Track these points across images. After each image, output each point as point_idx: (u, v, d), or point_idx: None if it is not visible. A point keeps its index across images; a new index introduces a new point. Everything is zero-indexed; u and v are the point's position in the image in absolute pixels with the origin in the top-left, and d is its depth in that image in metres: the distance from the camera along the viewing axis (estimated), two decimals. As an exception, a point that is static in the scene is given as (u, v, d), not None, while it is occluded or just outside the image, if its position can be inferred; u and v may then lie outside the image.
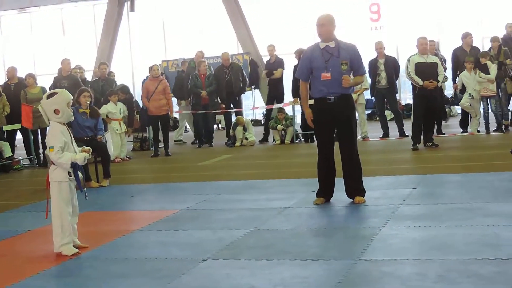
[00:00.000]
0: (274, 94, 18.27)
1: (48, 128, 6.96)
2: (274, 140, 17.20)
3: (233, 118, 18.56)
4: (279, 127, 16.94)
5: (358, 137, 16.18)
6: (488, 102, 15.71)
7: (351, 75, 8.41)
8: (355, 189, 8.43)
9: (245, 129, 17.42)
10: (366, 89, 16.59)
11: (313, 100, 8.56)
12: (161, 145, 16.46)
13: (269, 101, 18.56)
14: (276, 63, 18.15)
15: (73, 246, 6.84)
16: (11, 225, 8.77)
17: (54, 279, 6.10)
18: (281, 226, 7.43)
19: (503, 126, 15.80)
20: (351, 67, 8.32)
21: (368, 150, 14.56)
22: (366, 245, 6.31)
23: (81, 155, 6.80)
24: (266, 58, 18.89)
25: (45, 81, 17.14)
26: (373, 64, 16.33)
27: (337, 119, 8.29)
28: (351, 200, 8.40)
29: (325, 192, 8.52)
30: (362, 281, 5.24)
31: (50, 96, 6.94)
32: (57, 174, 6.83)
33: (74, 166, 6.82)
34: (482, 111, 16.26)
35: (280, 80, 18.24)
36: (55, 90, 7.09)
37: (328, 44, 8.26)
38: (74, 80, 16.29)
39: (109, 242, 7.14)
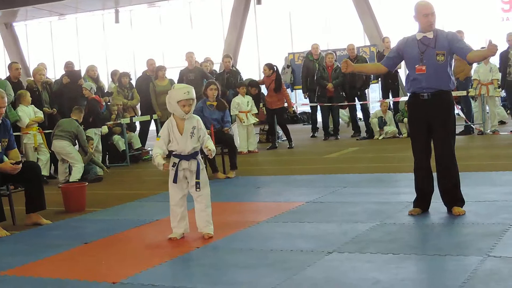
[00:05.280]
0: (389, 86, 18.00)
1: None
2: (401, 133, 16.98)
3: (359, 111, 18.50)
4: (406, 120, 16.70)
5: (488, 130, 15.85)
6: None
7: (453, 62, 7.73)
8: (452, 199, 7.57)
9: (384, 123, 17.16)
10: (497, 80, 16.17)
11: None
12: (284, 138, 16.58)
13: (384, 94, 18.29)
14: None
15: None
16: (140, 214, 9.01)
17: (180, 267, 6.23)
18: (407, 221, 7.33)
19: None
20: (453, 52, 7.50)
21: (498, 144, 14.23)
22: (495, 241, 6.15)
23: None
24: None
25: (174, 73, 17.50)
26: (504, 56, 15.94)
27: (432, 118, 7.45)
28: (449, 208, 7.59)
29: (421, 202, 7.68)
30: (491, 279, 5.09)
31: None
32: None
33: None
34: None
35: (396, 72, 18.00)
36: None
37: (425, 34, 7.45)
38: (200, 72, 16.56)
39: (234, 233, 7.22)
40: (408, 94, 7.86)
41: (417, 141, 7.62)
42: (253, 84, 16.76)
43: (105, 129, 14.21)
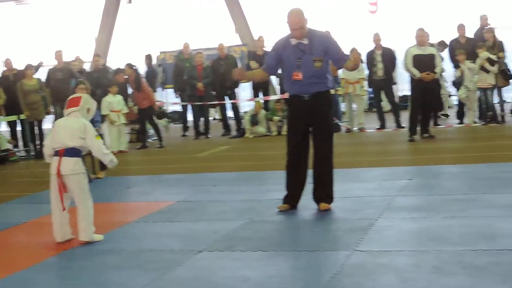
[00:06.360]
0: (260, 86, 18.20)
1: (84, 122, 6.96)
2: (270, 131, 17.12)
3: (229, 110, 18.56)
4: (275, 118, 16.89)
5: (355, 128, 16.22)
6: (485, 93, 15.63)
7: (329, 67, 7.74)
8: (322, 195, 7.70)
9: (256, 122, 17.24)
10: (363, 79, 16.56)
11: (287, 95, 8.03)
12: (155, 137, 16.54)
13: (255, 93, 18.49)
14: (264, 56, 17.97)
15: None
16: (6, 217, 8.77)
17: (49, 271, 6.09)
18: (276, 218, 7.42)
19: (500, 117, 15.76)
20: (331, 57, 7.63)
21: (365, 142, 14.60)
22: (361, 236, 6.31)
23: None
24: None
25: (43, 72, 17.09)
26: (370, 55, 16.34)
27: (312, 118, 7.58)
28: (318, 204, 7.70)
29: (291, 199, 7.79)
30: (357, 272, 5.23)
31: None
32: (81, 166, 6.92)
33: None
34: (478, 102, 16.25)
35: None
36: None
37: (300, 41, 7.52)
38: (68, 72, 16.28)
39: (104, 234, 7.10)
40: (287, 94, 7.93)
41: (294, 136, 7.71)
42: (118, 71, 16.55)
43: None
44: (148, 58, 20.85)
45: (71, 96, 7.24)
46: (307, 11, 7.60)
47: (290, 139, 7.77)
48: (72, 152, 6.83)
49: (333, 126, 7.96)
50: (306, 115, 7.59)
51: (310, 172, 7.75)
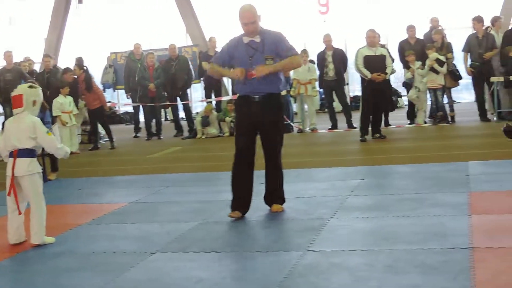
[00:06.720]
0: (212, 86, 18.22)
1: (33, 121, 6.86)
2: (223, 132, 17.13)
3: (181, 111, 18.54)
4: (227, 119, 16.90)
5: (307, 128, 16.30)
6: (435, 94, 15.84)
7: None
8: (274, 197, 7.68)
9: (208, 123, 17.21)
10: (315, 80, 16.64)
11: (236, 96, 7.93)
12: (107, 138, 16.45)
13: (207, 94, 18.50)
14: None
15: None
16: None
17: (1, 274, 5.98)
18: (229, 219, 7.40)
19: (450, 117, 15.97)
20: (279, 54, 7.49)
21: (317, 142, 14.67)
22: (314, 236, 6.34)
23: None
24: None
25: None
26: (321, 56, 16.42)
27: (262, 120, 7.45)
28: (270, 206, 7.69)
29: (241, 204, 7.54)
30: (310, 272, 5.25)
31: (30, 87, 7.01)
32: (36, 166, 6.83)
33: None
34: (429, 102, 16.45)
35: None
36: (33, 83, 7.11)
37: (252, 38, 7.45)
38: (18, 72, 16.12)
39: (56, 236, 7.03)
40: (237, 95, 7.83)
41: (243, 137, 7.58)
42: (66, 71, 16.42)
43: None
44: (79, 60, 20.76)
45: (12, 94, 7.04)
46: (258, 10, 7.61)
47: (238, 140, 7.64)
48: (25, 152, 6.76)
49: (283, 127, 7.90)
50: (256, 117, 7.48)
51: (257, 173, 7.69)
